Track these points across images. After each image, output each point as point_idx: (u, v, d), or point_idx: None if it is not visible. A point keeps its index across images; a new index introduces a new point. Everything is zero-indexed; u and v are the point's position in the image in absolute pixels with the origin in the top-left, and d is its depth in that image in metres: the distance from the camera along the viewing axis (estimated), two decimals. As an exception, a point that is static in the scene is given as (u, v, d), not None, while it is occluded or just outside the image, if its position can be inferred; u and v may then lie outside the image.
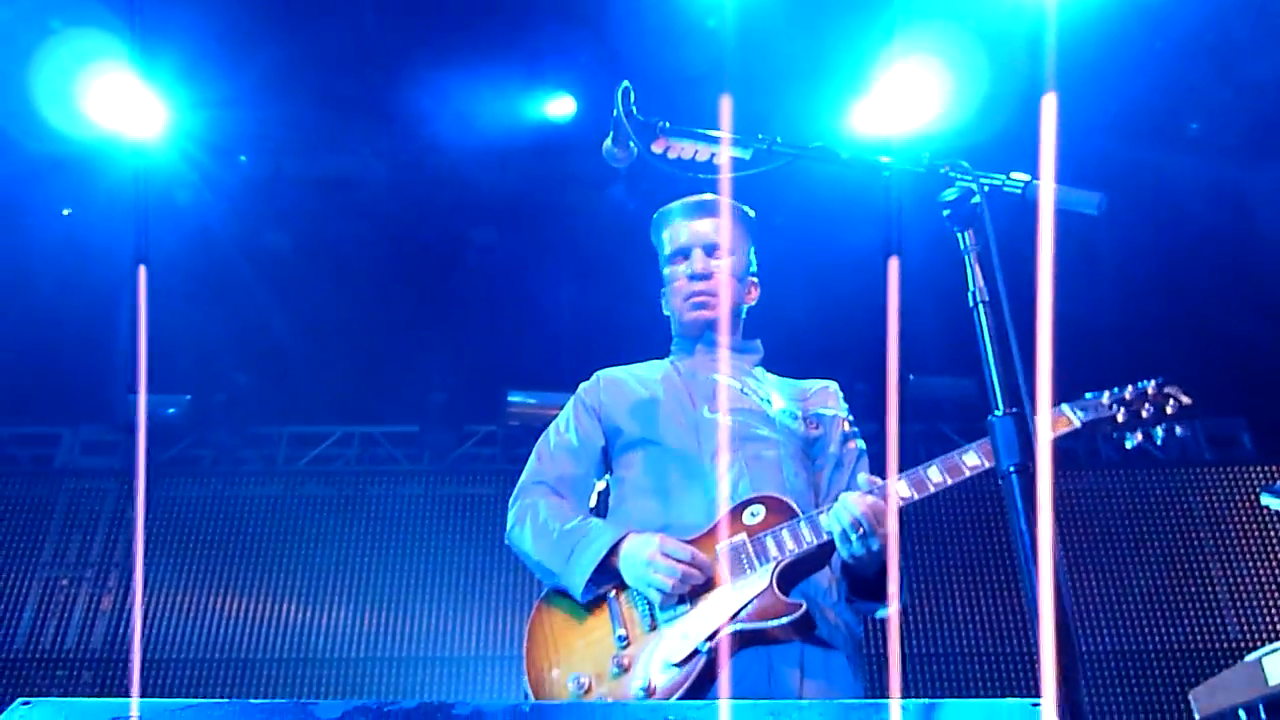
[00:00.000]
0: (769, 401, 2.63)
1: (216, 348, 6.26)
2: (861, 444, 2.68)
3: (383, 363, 6.46)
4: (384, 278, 6.16)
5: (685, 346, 2.79)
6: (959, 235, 1.78)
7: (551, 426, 2.79)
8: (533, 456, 2.74)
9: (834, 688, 2.24)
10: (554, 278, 6.01)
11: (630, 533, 2.40)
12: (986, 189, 1.80)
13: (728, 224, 2.78)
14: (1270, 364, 5.46)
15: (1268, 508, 3.31)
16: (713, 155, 2.28)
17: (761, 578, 2.28)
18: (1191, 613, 5.68)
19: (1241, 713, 3.03)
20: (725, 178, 2.50)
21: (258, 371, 6.63)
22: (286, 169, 5.82)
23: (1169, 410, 2.41)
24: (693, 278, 2.71)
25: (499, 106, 5.38)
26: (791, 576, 2.31)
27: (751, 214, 2.84)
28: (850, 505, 2.26)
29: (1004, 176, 1.83)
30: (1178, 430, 2.40)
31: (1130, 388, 2.42)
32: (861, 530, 2.24)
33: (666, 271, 2.81)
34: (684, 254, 2.75)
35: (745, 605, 2.26)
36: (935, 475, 2.31)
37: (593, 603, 2.39)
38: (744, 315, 2.81)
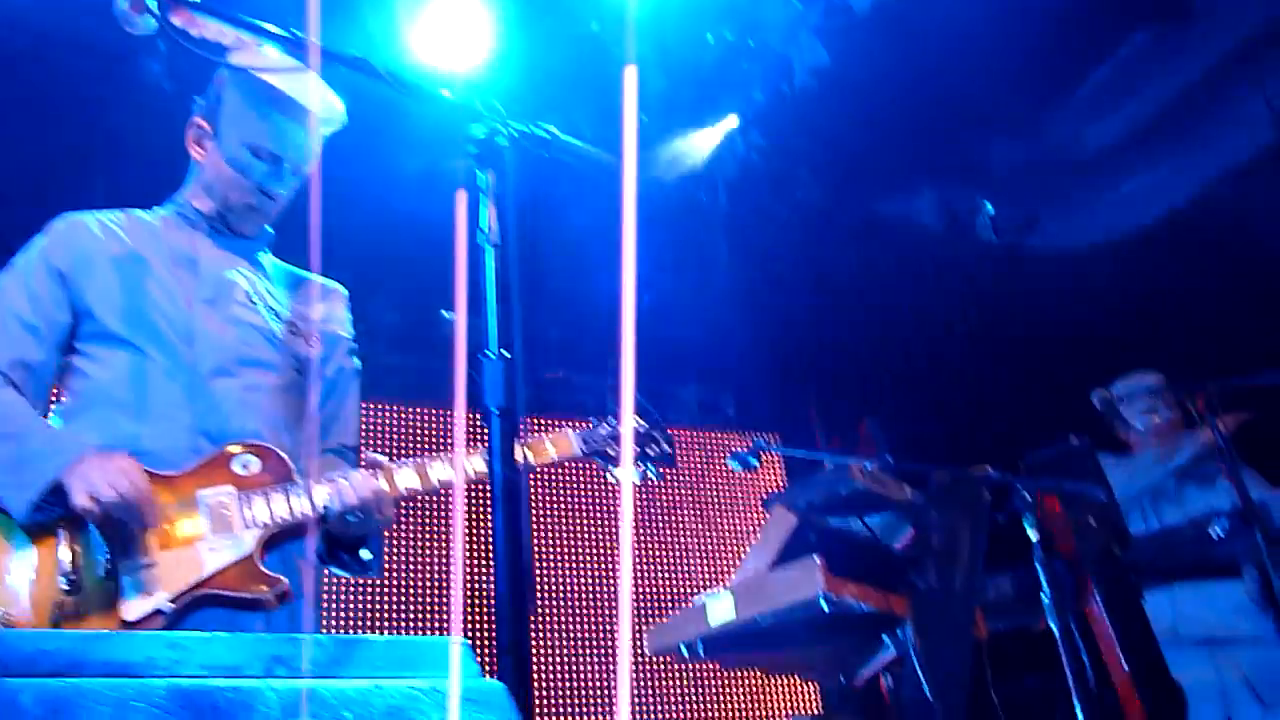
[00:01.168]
0: (273, 311, 2.40)
1: None
2: (357, 363, 2.56)
3: None
4: None
5: (195, 219, 2.43)
6: (479, 174, 1.78)
7: (4, 284, 2.29)
8: None
9: None
10: (50, 151, 5.25)
11: (90, 454, 2.07)
12: (515, 133, 1.82)
13: (318, 146, 2.45)
14: (745, 339, 6.12)
15: (733, 469, 3.72)
16: (241, 43, 2.11)
17: (244, 542, 2.10)
18: (666, 559, 6.27)
19: (682, 648, 3.39)
20: (257, 69, 2.32)
21: None
22: None
23: (651, 452, 2.62)
24: (264, 189, 2.38)
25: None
26: (275, 541, 2.17)
27: None
28: (354, 489, 2.18)
29: (532, 125, 1.85)
30: (652, 473, 2.62)
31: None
32: (360, 514, 2.19)
33: (234, 153, 2.36)
34: (267, 158, 2.37)
35: (221, 569, 2.07)
36: (439, 470, 2.29)
37: (34, 529, 2.04)
38: None
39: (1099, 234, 6.00)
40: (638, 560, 6.11)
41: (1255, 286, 5.51)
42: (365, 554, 2.34)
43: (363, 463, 2.30)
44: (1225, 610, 4.21)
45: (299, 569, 2.21)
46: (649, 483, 6.22)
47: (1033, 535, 3.20)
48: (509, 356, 1.62)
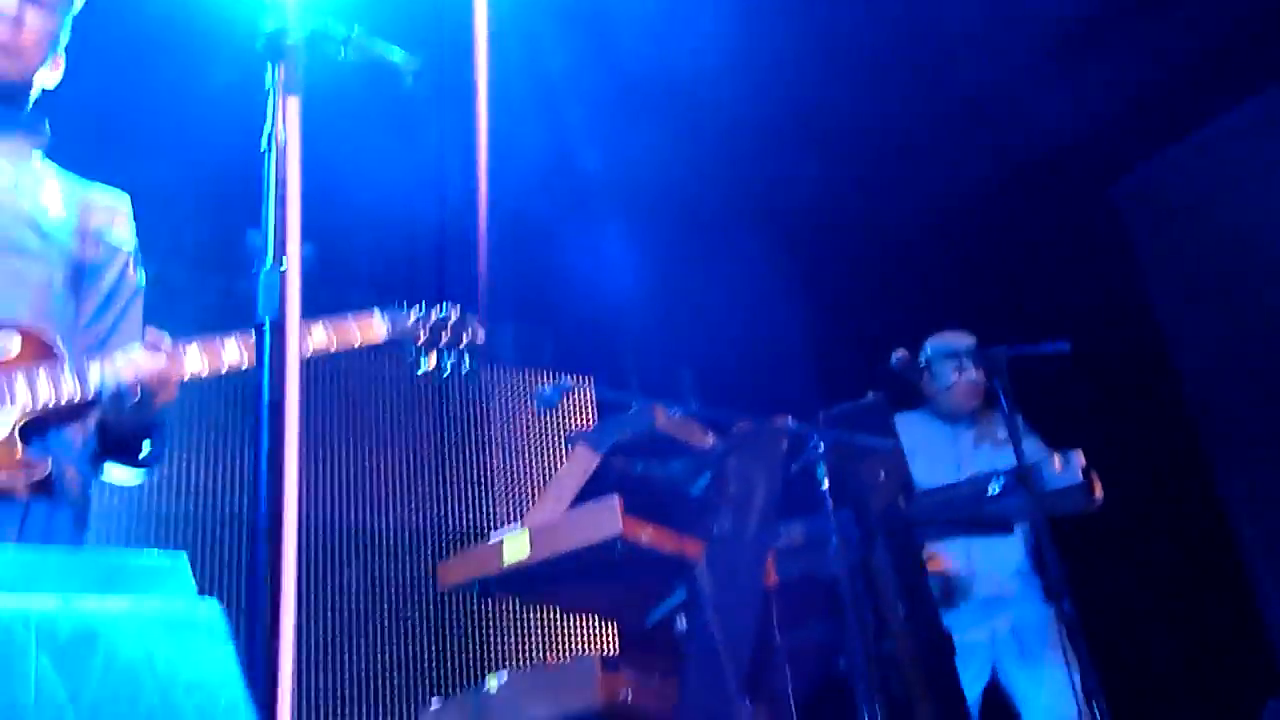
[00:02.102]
0: (44, 207, 2.18)
1: None
2: (142, 280, 2.41)
3: None
4: None
5: None
6: (269, 70, 1.65)
7: None
8: None
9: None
10: None
11: None
12: (310, 30, 1.69)
13: None
14: (575, 278, 6.08)
15: (544, 408, 3.67)
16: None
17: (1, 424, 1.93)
18: (469, 497, 6.15)
19: (476, 585, 3.34)
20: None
21: None
22: None
23: (464, 342, 2.47)
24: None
25: None
26: (38, 426, 1.99)
27: None
28: (133, 365, 1.99)
29: (331, 22, 1.74)
30: (467, 362, 2.48)
31: (436, 310, 2.46)
32: (139, 395, 2.01)
33: None
34: None
35: None
36: (232, 352, 2.14)
37: None
38: (38, 95, 2.27)
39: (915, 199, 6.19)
40: (440, 496, 6.02)
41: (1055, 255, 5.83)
42: (146, 446, 2.17)
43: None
44: (1008, 569, 4.48)
45: (63, 468, 2.04)
46: (462, 395, 6.09)
47: (824, 485, 3.29)
48: (284, 267, 1.52)
